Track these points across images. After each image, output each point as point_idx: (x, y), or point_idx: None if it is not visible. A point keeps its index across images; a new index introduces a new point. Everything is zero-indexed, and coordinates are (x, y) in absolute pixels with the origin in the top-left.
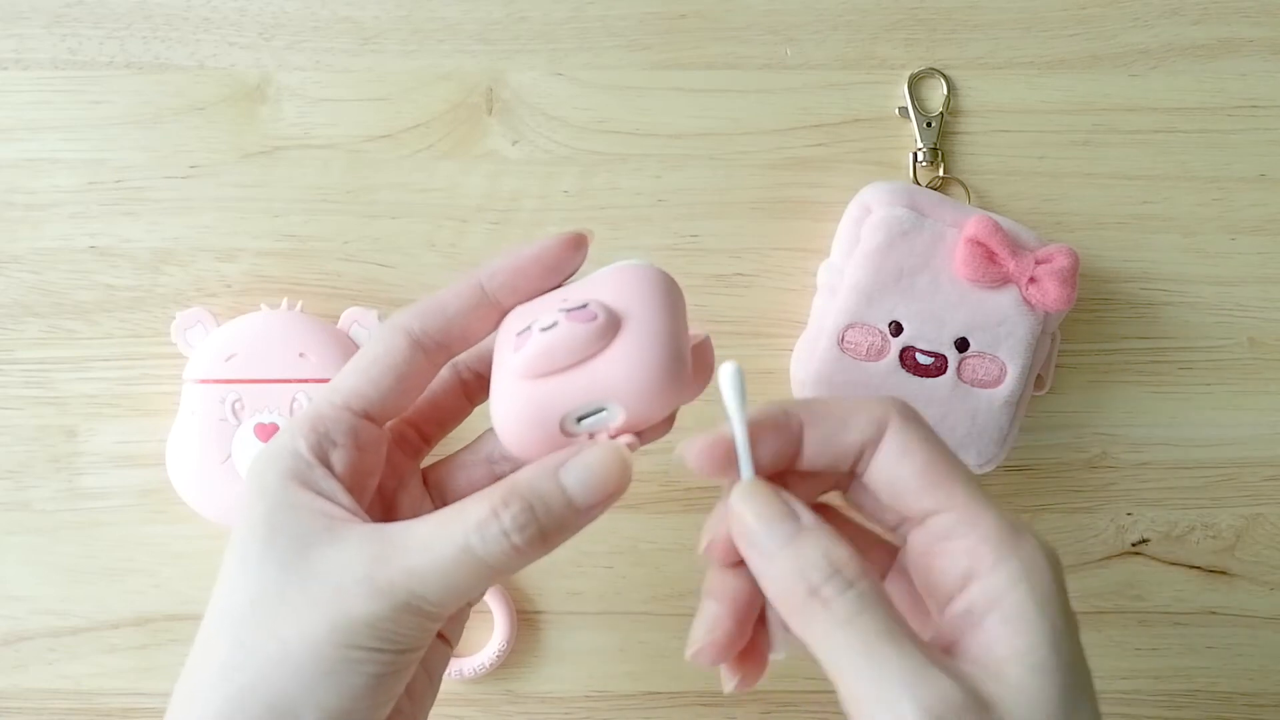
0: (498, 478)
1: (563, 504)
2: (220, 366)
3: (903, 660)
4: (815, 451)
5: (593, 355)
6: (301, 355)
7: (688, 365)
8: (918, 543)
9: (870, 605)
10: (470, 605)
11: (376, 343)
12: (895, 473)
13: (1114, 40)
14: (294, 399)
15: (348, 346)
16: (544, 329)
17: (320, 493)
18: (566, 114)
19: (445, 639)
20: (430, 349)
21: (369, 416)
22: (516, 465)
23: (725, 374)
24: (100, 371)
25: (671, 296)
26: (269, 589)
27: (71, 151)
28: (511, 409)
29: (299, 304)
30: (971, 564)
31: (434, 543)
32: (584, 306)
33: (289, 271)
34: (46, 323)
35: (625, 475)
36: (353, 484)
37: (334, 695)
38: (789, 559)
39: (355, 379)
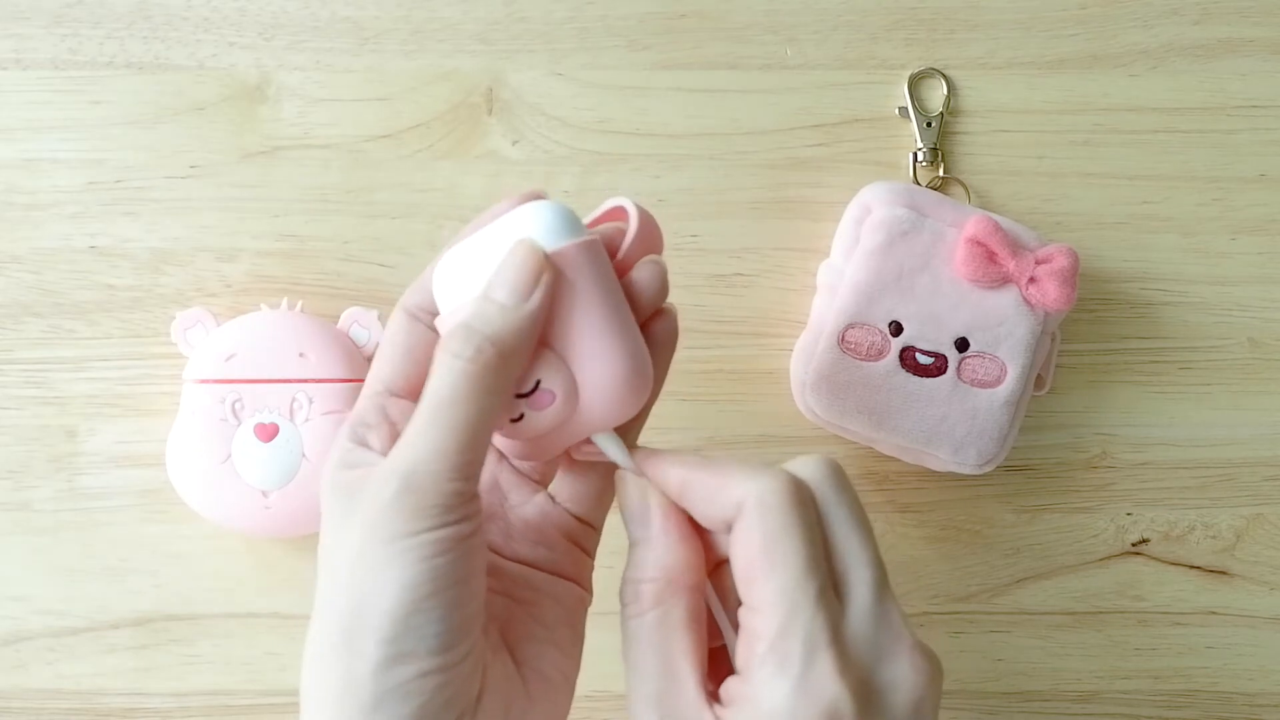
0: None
1: (496, 310)
2: (220, 366)
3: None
4: (696, 512)
5: (569, 416)
6: (301, 355)
7: (648, 363)
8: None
9: (667, 623)
10: (585, 533)
11: (387, 328)
12: (732, 555)
13: (1114, 40)
14: (294, 399)
15: (348, 346)
16: (513, 420)
17: (358, 466)
18: (566, 114)
19: (570, 579)
20: (425, 318)
21: (396, 392)
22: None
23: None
24: (100, 371)
25: (610, 291)
26: (331, 540)
27: (71, 151)
28: (522, 455)
29: (299, 304)
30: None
31: (415, 417)
32: (536, 387)
33: (289, 271)
34: (46, 323)
35: (538, 258)
36: None
37: (392, 590)
38: (632, 556)
39: (377, 365)
